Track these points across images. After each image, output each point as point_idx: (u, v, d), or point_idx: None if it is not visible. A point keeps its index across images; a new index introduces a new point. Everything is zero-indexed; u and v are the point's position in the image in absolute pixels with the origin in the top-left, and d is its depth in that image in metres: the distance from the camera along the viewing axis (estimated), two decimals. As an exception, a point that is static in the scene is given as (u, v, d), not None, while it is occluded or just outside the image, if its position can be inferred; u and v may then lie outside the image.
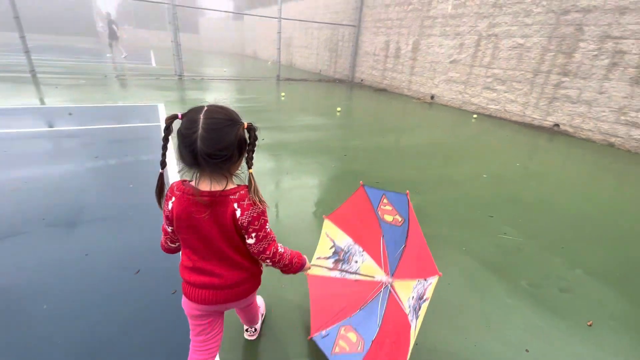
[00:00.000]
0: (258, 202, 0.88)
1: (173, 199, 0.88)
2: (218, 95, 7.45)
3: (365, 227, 1.42)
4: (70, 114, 4.72)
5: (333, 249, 1.47)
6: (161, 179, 0.90)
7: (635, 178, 3.92)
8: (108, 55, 13.36)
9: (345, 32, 11.86)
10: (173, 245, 1.00)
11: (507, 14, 6.49)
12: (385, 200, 1.34)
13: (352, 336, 1.21)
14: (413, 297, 1.13)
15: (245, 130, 0.86)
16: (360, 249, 1.42)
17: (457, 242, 2.23)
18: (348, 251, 1.45)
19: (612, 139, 5.22)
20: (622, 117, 5.06)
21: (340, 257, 1.45)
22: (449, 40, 7.85)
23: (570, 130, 5.75)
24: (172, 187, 0.90)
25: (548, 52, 5.90)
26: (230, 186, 0.87)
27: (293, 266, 1.07)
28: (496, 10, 6.68)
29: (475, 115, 7.02)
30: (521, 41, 6.30)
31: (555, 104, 5.92)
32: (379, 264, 1.36)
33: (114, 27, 12.64)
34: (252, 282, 1.03)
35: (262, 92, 8.35)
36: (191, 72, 10.81)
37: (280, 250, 1.00)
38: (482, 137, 5.35)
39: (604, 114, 5.27)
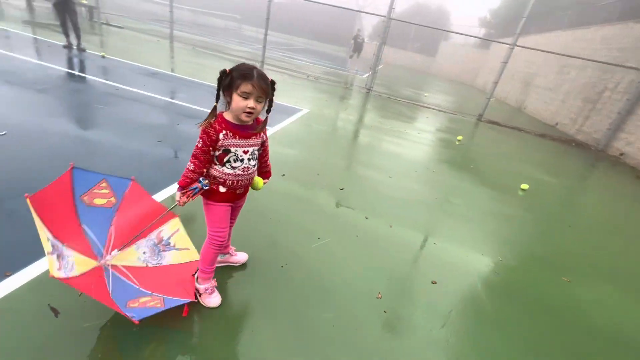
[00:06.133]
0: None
1: None
2: (390, 125, 6.38)
3: (60, 218, 1.32)
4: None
5: (50, 242, 1.20)
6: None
7: None
8: (352, 68, 14.72)
9: (624, 79, 7.64)
10: None
11: None
12: (103, 184, 1.46)
13: None
14: (145, 252, 1.49)
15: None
16: (61, 244, 1.26)
17: None
18: (57, 247, 1.22)
19: None
20: None
21: (58, 253, 1.21)
22: None
23: None
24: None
25: None
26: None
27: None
28: None
29: None
30: None
31: None
32: (87, 254, 1.34)
33: (359, 41, 13.62)
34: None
35: (443, 131, 6.56)
36: (386, 88, 10.25)
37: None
38: None
39: None
